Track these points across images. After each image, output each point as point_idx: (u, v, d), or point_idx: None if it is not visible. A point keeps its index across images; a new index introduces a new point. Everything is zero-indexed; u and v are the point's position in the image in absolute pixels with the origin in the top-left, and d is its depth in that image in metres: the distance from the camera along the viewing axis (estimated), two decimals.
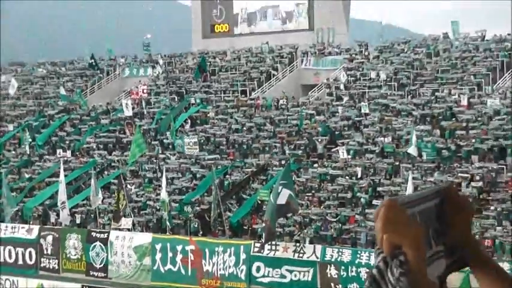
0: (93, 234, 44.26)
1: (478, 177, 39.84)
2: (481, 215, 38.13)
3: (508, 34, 51.77)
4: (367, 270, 33.68)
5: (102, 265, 43.45)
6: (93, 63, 65.08)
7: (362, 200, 40.81)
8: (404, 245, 2.01)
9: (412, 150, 41.68)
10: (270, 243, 38.61)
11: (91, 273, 43.77)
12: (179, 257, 41.00)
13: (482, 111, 44.30)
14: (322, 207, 41.78)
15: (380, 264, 2.03)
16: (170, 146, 51.77)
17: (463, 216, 2.30)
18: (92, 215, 46.26)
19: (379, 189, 41.24)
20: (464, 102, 45.73)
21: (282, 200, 37.61)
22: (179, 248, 41.03)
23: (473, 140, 42.25)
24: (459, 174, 40.36)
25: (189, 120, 54.29)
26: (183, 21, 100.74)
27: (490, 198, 39.02)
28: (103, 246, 43.39)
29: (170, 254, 41.23)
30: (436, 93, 47.82)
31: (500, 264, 31.09)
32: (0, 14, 65.89)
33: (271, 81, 57.78)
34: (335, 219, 40.27)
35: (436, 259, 2.27)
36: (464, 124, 43.96)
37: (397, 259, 2.01)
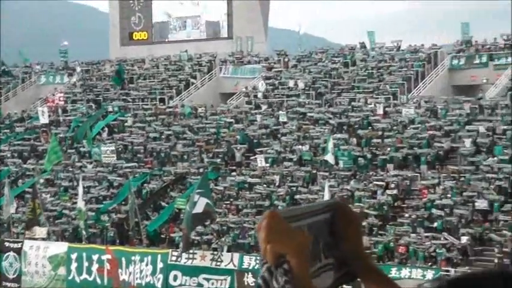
0: (6, 244, 43.38)
1: (393, 185, 40.48)
2: (395, 222, 38.75)
3: (422, 45, 52.83)
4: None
5: (15, 275, 42.62)
6: (5, 70, 64.02)
7: (280, 208, 41.00)
8: (288, 253, 2.01)
9: (329, 158, 42.10)
10: (187, 251, 38.46)
11: (4, 284, 42.87)
12: (95, 266, 40.48)
13: (398, 120, 45.06)
14: (240, 215, 41.84)
15: (265, 274, 2.02)
16: (87, 155, 51.14)
17: (353, 230, 2.32)
18: (5, 225, 45.32)
19: (297, 197, 41.51)
20: (380, 111, 46.45)
21: (199, 208, 37.52)
22: (95, 257, 40.52)
23: (389, 149, 42.93)
24: (375, 182, 40.94)
25: (106, 128, 53.76)
26: (101, 28, 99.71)
27: (404, 205, 39.67)
28: (16, 256, 42.57)
29: (86, 264, 40.68)
30: (353, 102, 48.45)
31: (414, 270, 31.54)
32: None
33: (190, 90, 57.66)
34: (253, 227, 40.35)
35: (324, 271, 2.28)
36: (380, 133, 44.63)
37: (281, 268, 2.01)
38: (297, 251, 2.02)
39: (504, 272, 2.25)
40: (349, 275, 2.36)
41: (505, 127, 41.22)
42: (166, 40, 63.64)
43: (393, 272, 35.10)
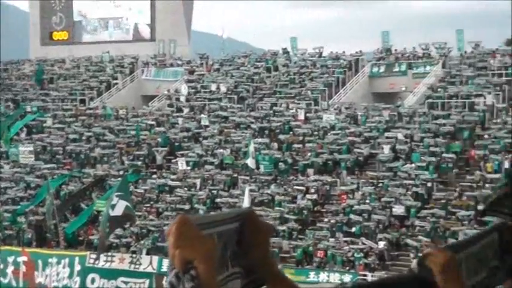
0: None
1: (313, 190, 40.85)
2: (315, 226, 39.12)
3: (344, 52, 53.47)
4: None
5: None
6: None
7: (200, 211, 40.94)
8: (196, 259, 2.01)
9: (250, 162, 42.24)
10: (106, 254, 38.07)
11: None
12: (10, 268, 39.74)
13: (318, 126, 45.51)
14: (160, 218, 41.63)
15: (173, 280, 2.01)
16: (4, 155, 50.18)
17: (262, 239, 2.34)
18: None
19: (218, 200, 41.54)
20: (301, 116, 46.85)
21: (118, 211, 37.17)
22: (10, 259, 39.77)
23: (309, 154, 43.31)
24: (295, 187, 41.26)
25: (24, 129, 52.85)
26: (21, 27, 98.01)
27: (324, 210, 40.07)
28: None
29: (1, 266, 39.89)
30: (275, 107, 48.73)
31: (332, 274, 31.77)
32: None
33: (111, 91, 57.14)
34: None
35: (231, 280, 2.29)
36: (300, 138, 45.00)
37: (188, 274, 2.01)
38: (205, 257, 2.03)
39: (415, 276, 2.32)
40: (256, 282, 2.39)
41: (423, 135, 42.02)
42: (88, 41, 62.89)
43: (311, 276, 35.44)
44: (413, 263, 2.64)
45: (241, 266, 2.31)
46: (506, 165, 37.92)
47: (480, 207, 31.48)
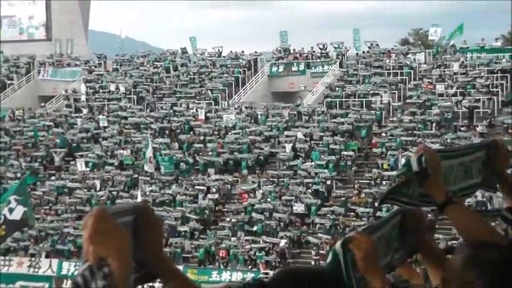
0: None
1: (214, 189, 40.90)
2: (217, 226, 39.18)
3: (243, 52, 53.67)
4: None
5: None
6: None
7: None
8: (110, 256, 2.01)
9: (148, 167, 41.93)
10: (3, 258, 37.20)
11: None
12: None
13: (219, 125, 45.60)
14: (59, 220, 40.95)
15: (86, 273, 2.00)
16: None
17: (155, 233, 2.37)
18: None
19: (118, 201, 41.10)
20: (202, 116, 46.86)
21: (16, 215, 36.24)
22: None
23: (210, 153, 43.37)
24: (196, 187, 41.23)
25: None
26: None
27: (225, 209, 40.17)
28: None
29: None
30: (175, 107, 48.58)
31: (234, 273, 31.79)
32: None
33: (7, 92, 55.84)
34: (73, 233, 39.58)
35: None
36: (201, 138, 45.01)
37: (101, 271, 2.00)
38: (119, 254, 2.03)
39: (298, 270, 2.38)
40: (148, 276, 2.42)
41: (322, 133, 42.61)
42: None
43: (214, 276, 35.48)
44: (337, 245, 2.71)
45: (135, 260, 2.30)
46: (403, 162, 38.79)
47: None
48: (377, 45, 49.70)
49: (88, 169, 44.35)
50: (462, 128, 40.32)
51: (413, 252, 3.25)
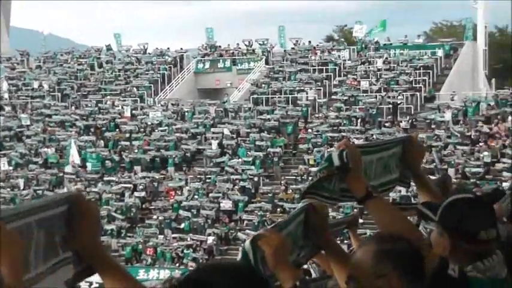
0: None
1: (141, 187, 40.64)
2: (143, 224, 38.94)
3: (168, 48, 53.46)
4: None
5: None
6: None
7: None
8: (1, 263, 1.98)
9: (71, 169, 41.49)
10: None
11: None
12: None
13: (145, 123, 45.32)
14: None
15: None
16: None
17: (89, 223, 2.32)
18: None
19: None
20: (128, 113, 46.50)
21: None
22: None
23: (136, 151, 43.07)
24: (122, 185, 40.90)
25: None
26: None
27: (152, 207, 39.96)
28: None
29: None
30: (100, 104, 48.07)
31: (162, 271, 31.59)
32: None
33: None
34: None
35: (62, 266, 2.26)
36: (127, 135, 44.65)
37: None
38: (10, 262, 1.98)
39: (231, 265, 2.38)
40: (88, 270, 2.38)
41: (248, 130, 42.73)
42: None
43: (141, 274, 35.23)
44: (247, 243, 2.71)
45: (72, 251, 2.27)
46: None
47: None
48: (301, 42, 50.07)
49: (11, 168, 43.58)
50: (386, 124, 40.90)
51: (317, 250, 3.26)
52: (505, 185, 30.50)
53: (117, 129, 45.44)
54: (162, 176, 41.50)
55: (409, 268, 2.83)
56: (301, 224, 3.14)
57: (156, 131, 44.54)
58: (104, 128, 45.68)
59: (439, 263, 3.07)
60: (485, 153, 36.65)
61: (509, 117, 38.46)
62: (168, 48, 53.46)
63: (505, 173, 34.92)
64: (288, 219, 3.11)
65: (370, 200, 3.17)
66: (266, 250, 2.75)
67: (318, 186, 3.23)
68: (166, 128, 44.49)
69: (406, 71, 44.32)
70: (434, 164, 36.38)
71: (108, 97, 48.81)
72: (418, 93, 42.53)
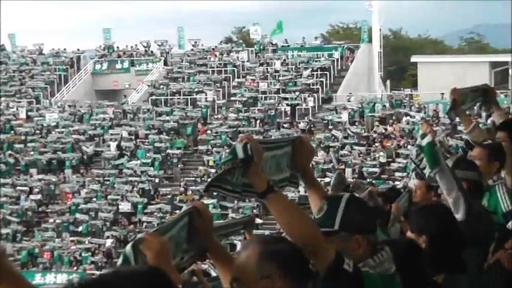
0: None
1: (37, 190, 39.87)
2: (40, 227, 38.21)
3: (65, 49, 52.58)
4: None
5: None
6: None
7: None
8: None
9: None
10: None
11: None
12: None
13: (41, 124, 44.47)
14: None
15: None
16: None
17: None
18: None
19: None
20: (23, 115, 45.55)
21: None
22: None
23: (32, 153, 42.24)
24: (18, 188, 40.05)
25: None
26: None
27: (49, 210, 39.26)
28: None
29: None
30: None
31: (59, 275, 31.05)
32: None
33: None
34: None
35: None
36: (23, 137, 43.72)
37: None
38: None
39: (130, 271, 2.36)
40: None
41: (147, 131, 42.45)
42: None
43: (38, 279, 34.62)
44: (128, 248, 2.70)
45: None
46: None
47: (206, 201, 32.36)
48: (200, 43, 50.07)
49: None
50: (285, 125, 41.31)
51: (202, 253, 3.25)
52: (400, 184, 31.25)
53: (12, 131, 44.44)
54: (59, 178, 40.81)
55: (292, 268, 2.88)
56: (185, 227, 3.10)
57: (53, 132, 43.77)
58: None
59: (335, 258, 3.12)
60: (381, 153, 37.44)
61: (404, 118, 39.41)
62: (65, 49, 52.61)
63: (398, 173, 35.75)
64: (171, 222, 3.06)
65: (270, 194, 3.17)
66: (147, 254, 2.72)
67: (222, 179, 3.21)
68: (63, 129, 43.77)
69: (304, 73, 44.85)
70: (332, 164, 36.96)
71: (3, 98, 47.64)
72: (315, 95, 43.09)
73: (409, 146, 35.26)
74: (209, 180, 3.25)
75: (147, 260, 2.72)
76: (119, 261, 2.70)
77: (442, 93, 37.03)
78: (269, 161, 3.42)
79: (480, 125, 8.14)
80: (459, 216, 5.07)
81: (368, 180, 35.08)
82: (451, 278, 4.17)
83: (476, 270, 4.98)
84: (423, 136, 5.23)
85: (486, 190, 5.71)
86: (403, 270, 3.51)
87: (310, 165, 3.80)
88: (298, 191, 31.19)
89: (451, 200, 5.10)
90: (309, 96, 42.88)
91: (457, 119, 27.27)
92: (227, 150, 39.19)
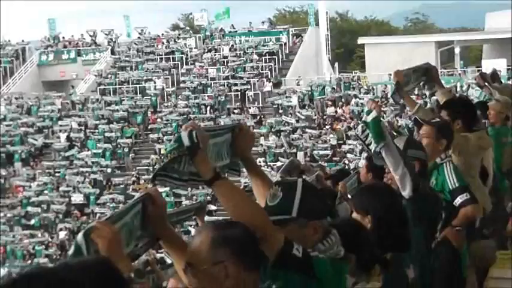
0: None
1: None
2: None
3: (9, 40, 51.82)
4: None
5: None
6: None
7: None
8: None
9: None
10: None
11: None
12: None
13: None
14: None
15: None
16: None
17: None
18: None
19: None
20: None
21: None
22: None
23: None
24: None
25: None
26: None
27: (0, 204, 38.83)
28: None
29: None
30: None
31: (12, 269, 30.82)
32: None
33: None
34: None
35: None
36: None
37: None
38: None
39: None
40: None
41: (97, 122, 42.15)
42: None
43: None
44: (79, 236, 2.70)
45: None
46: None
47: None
48: (147, 31, 49.80)
49: None
50: (235, 111, 41.32)
51: (156, 240, 3.24)
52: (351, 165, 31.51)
53: None
54: (9, 171, 40.38)
55: (245, 253, 2.91)
56: (138, 214, 3.08)
57: (1, 125, 43.23)
58: None
59: (284, 244, 3.14)
60: (332, 135, 37.69)
61: (353, 100, 39.68)
62: (9, 40, 51.90)
63: (349, 155, 36.03)
64: (123, 209, 3.04)
65: (217, 181, 3.16)
66: (99, 242, 2.71)
67: (168, 168, 3.19)
68: (11, 122, 43.25)
69: (253, 58, 44.87)
70: (284, 148, 37.12)
71: None
72: (265, 79, 43.15)
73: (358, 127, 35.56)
74: (155, 169, 3.25)
75: (99, 248, 2.71)
76: (71, 250, 2.69)
77: (390, 74, 37.38)
78: (211, 149, 3.40)
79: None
80: (406, 193, 5.11)
81: (319, 162, 35.34)
82: (398, 256, 4.23)
83: (424, 248, 5.06)
84: (368, 112, 5.29)
85: (434, 168, 5.80)
86: (351, 252, 3.56)
87: (251, 151, 3.79)
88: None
89: (397, 177, 5.13)
90: (258, 81, 42.94)
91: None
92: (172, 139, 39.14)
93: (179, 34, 50.56)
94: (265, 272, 3.09)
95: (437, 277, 5.25)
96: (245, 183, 24.75)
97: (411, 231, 4.45)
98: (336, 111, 39.55)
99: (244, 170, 3.79)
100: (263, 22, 50.50)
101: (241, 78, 43.42)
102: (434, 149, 5.77)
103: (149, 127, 41.82)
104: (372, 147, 5.28)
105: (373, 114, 5.23)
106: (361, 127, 5.44)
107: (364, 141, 5.42)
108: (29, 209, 37.59)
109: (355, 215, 4.41)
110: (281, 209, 3.32)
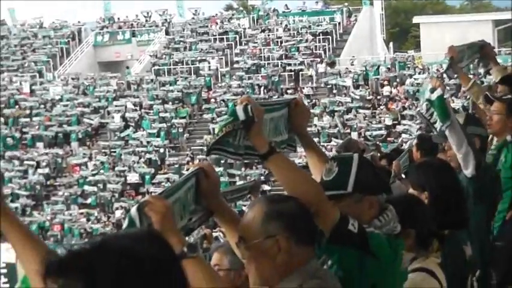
0: None
1: (44, 163, 40.01)
2: (49, 200, 38.40)
3: (66, 21, 52.40)
4: None
5: None
6: None
7: None
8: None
9: None
10: None
11: None
12: None
13: (45, 98, 44.51)
14: None
15: None
16: None
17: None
18: None
19: None
20: (27, 89, 45.57)
21: None
22: None
23: (38, 127, 42.33)
24: (25, 162, 40.20)
25: None
26: None
27: (57, 183, 39.42)
28: None
29: None
30: None
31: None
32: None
33: None
34: None
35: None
36: (27, 111, 43.80)
37: None
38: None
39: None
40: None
41: (151, 102, 42.46)
42: None
43: None
44: (133, 210, 2.72)
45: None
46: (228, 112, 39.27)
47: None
48: (200, 12, 49.91)
49: None
50: (289, 91, 41.24)
51: (209, 214, 3.22)
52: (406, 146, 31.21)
53: (17, 106, 44.50)
54: (66, 151, 40.94)
55: (298, 228, 2.88)
56: (192, 188, 3.07)
57: (58, 106, 43.81)
58: (2, 105, 44.65)
59: (339, 219, 3.11)
60: (386, 116, 37.43)
61: (407, 80, 39.33)
62: (66, 22, 52.46)
63: (404, 135, 35.76)
64: (177, 184, 3.03)
65: (272, 156, 3.13)
66: (152, 217, 2.72)
67: (223, 142, 3.15)
68: (67, 102, 43.80)
69: (306, 38, 44.70)
70: (338, 128, 36.98)
71: (6, 73, 47.65)
72: (318, 59, 42.98)
73: (413, 108, 35.25)
74: (210, 143, 3.21)
75: (152, 222, 2.73)
76: (125, 223, 2.70)
77: (445, 54, 36.90)
78: (268, 123, 3.37)
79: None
80: (469, 171, 5.04)
81: (375, 142, 35.13)
82: (455, 233, 4.21)
83: (484, 226, 5.01)
84: (432, 90, 5.17)
85: (504, 145, 5.69)
86: (409, 227, 3.55)
87: (307, 127, 3.76)
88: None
89: (461, 156, 5.05)
90: (312, 61, 42.78)
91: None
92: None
93: (233, 14, 50.56)
94: (320, 247, 3.08)
95: (502, 255, 5.19)
96: (299, 163, 24.71)
97: (471, 209, 4.40)
98: (391, 91, 39.25)
99: (299, 146, 3.79)
100: (317, 2, 50.24)
101: (295, 58, 43.30)
102: (504, 126, 5.65)
103: (203, 107, 41.99)
104: (438, 125, 5.19)
105: (438, 91, 5.13)
106: (426, 105, 5.31)
107: (428, 119, 5.32)
108: (86, 188, 38.08)
109: (411, 191, 4.38)
110: (336, 184, 3.31)
